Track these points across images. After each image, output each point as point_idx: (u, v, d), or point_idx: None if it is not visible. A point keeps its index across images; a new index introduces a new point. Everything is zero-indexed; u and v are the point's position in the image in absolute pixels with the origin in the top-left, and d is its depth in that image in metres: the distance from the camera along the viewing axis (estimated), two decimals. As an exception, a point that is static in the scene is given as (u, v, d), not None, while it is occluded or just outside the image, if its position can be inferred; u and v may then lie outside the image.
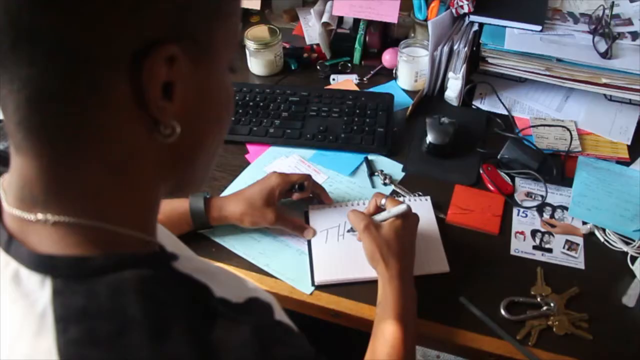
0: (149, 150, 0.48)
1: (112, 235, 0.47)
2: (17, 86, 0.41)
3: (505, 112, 1.28)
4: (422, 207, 1.04)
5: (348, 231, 1.00)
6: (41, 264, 0.45)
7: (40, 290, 0.44)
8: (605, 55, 1.21)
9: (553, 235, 1.01)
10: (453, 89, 1.29)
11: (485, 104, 1.31)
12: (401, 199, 1.06)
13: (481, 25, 1.32)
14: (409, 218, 0.91)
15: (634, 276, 0.94)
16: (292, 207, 1.04)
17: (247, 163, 1.17)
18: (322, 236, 1.00)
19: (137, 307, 0.44)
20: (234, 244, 0.99)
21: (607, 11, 1.30)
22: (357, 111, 1.25)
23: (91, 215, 0.46)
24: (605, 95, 1.29)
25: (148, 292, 0.45)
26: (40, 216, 0.46)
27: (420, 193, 1.08)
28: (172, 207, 0.95)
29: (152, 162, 0.49)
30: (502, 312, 0.89)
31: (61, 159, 0.44)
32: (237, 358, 0.45)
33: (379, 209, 0.95)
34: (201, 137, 0.53)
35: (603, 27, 1.27)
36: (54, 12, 0.38)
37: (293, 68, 1.45)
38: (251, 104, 1.28)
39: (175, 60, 0.43)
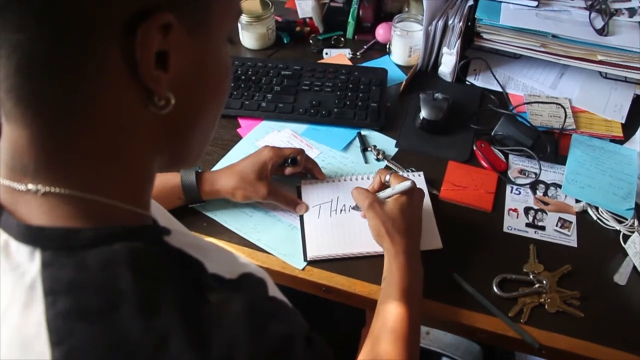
0: (143, 122, 0.46)
1: (103, 208, 0.46)
2: (7, 52, 0.39)
3: (499, 89, 1.27)
4: (415, 183, 1.03)
5: (353, 208, 0.99)
6: (31, 235, 0.44)
7: (29, 262, 0.43)
8: (601, 32, 1.20)
9: (546, 213, 1.01)
10: (447, 65, 1.28)
11: (479, 80, 1.30)
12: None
13: (476, 0, 1.30)
14: (414, 194, 0.91)
15: (626, 254, 0.94)
16: (285, 181, 1.03)
17: (239, 137, 1.15)
18: (315, 211, 0.99)
19: (128, 281, 0.43)
20: (225, 218, 0.98)
21: (604, -13, 1.28)
22: (350, 86, 1.23)
23: (82, 187, 0.45)
24: (600, 72, 1.28)
25: (139, 265, 0.44)
26: (30, 186, 0.44)
27: (413, 169, 1.07)
28: (163, 181, 0.94)
29: (145, 134, 0.47)
30: (495, 289, 0.89)
31: (51, 128, 0.43)
32: (229, 334, 0.44)
33: (384, 186, 0.94)
34: (197, 110, 0.51)
35: (600, 3, 1.25)
36: None
37: (285, 42, 1.43)
38: (243, 77, 1.25)
39: (170, 29, 0.42)
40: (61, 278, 0.42)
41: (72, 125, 0.43)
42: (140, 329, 0.41)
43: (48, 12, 0.38)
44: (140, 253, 0.45)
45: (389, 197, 0.90)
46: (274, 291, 0.55)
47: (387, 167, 1.08)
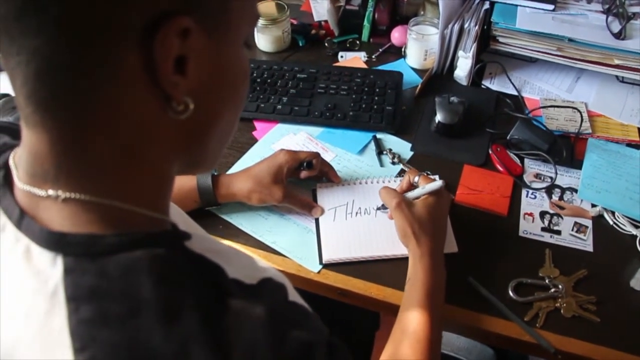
0: (162, 126, 0.46)
1: (123, 213, 0.46)
2: (25, 58, 0.39)
3: (515, 93, 1.27)
4: (432, 187, 1.03)
5: (378, 208, 0.99)
6: (52, 241, 0.44)
7: (51, 268, 0.44)
8: (618, 35, 1.19)
9: (562, 217, 1.01)
10: (463, 68, 1.28)
11: (495, 84, 1.29)
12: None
13: (492, 3, 1.30)
14: (442, 196, 0.91)
15: (642, 259, 0.94)
16: (300, 185, 1.04)
17: (255, 140, 1.16)
18: (330, 214, 0.99)
19: (149, 288, 0.43)
20: (241, 221, 0.99)
21: (621, -9, 1.27)
22: (366, 89, 1.24)
23: (102, 193, 0.45)
24: (617, 76, 1.27)
25: (160, 272, 0.44)
26: (51, 192, 0.45)
27: (429, 172, 1.07)
28: (179, 184, 0.94)
29: (164, 139, 0.47)
30: (510, 293, 0.89)
31: (71, 134, 0.43)
32: (251, 342, 0.44)
33: (412, 187, 0.94)
34: (215, 114, 0.51)
35: (617, 7, 1.25)
36: None
37: (301, 45, 1.44)
38: (258, 80, 1.26)
39: (189, 34, 0.42)
40: (83, 285, 0.43)
41: (91, 130, 0.43)
42: (162, 336, 0.41)
43: (65, 17, 0.38)
44: (161, 260, 0.45)
45: (417, 197, 0.90)
46: (294, 296, 0.55)
47: (402, 171, 1.09)
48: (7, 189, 0.48)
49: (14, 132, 0.55)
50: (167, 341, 0.41)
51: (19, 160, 0.47)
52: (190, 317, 0.43)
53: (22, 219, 0.46)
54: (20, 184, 0.46)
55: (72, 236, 0.44)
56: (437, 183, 0.89)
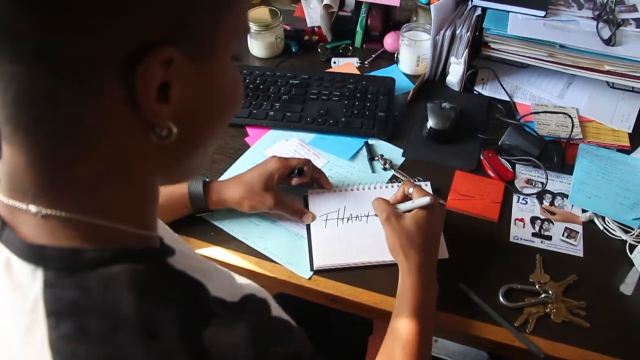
0: (145, 149, 0.46)
1: (105, 230, 0.46)
2: (3, 83, 0.39)
3: (506, 98, 1.27)
4: (436, 198, 1.04)
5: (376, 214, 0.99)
6: (32, 254, 0.44)
7: (31, 281, 0.43)
8: (608, 42, 1.20)
9: (552, 223, 1.01)
10: (455, 74, 1.28)
11: (486, 90, 1.30)
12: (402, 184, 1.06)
13: (484, 9, 1.31)
14: (433, 210, 0.90)
15: (632, 264, 0.94)
16: (292, 191, 1.04)
17: (247, 146, 1.16)
18: (322, 221, 0.99)
19: (129, 303, 0.43)
20: (232, 227, 0.99)
21: (611, -3, 1.28)
22: (358, 95, 1.24)
23: (84, 211, 0.45)
24: (607, 82, 1.28)
25: (141, 287, 0.44)
26: (31, 207, 0.44)
27: (420, 178, 1.08)
28: (170, 190, 0.95)
29: (148, 160, 0.47)
30: (501, 299, 0.89)
31: (51, 155, 0.43)
32: (232, 358, 0.45)
33: (407, 197, 0.94)
34: (203, 133, 0.51)
35: (607, 14, 1.26)
36: (36, 12, 0.36)
37: (294, 50, 1.44)
38: (251, 86, 1.27)
39: (172, 62, 0.41)
40: (63, 299, 0.42)
41: (72, 153, 0.43)
42: (142, 351, 0.41)
43: (43, 47, 0.37)
44: (142, 276, 0.45)
45: (408, 210, 0.90)
46: (277, 311, 0.55)
47: (393, 177, 1.09)
48: None
49: None
50: (147, 357, 0.41)
51: (1, 173, 0.47)
52: (170, 332, 0.43)
53: (3, 230, 0.46)
54: (1, 196, 0.46)
55: (52, 249, 0.44)
56: (426, 199, 0.88)
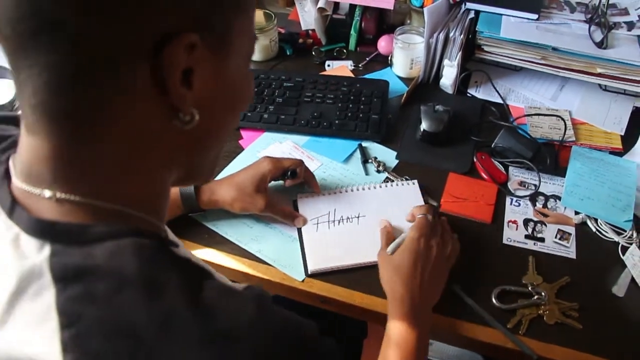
0: (166, 136, 0.49)
1: (116, 213, 0.48)
2: (37, 71, 0.41)
3: (500, 101, 1.28)
4: (410, 191, 1.05)
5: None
6: (41, 229, 0.46)
7: (38, 253, 0.45)
8: (600, 44, 1.21)
9: (545, 225, 1.02)
10: (448, 77, 1.29)
11: (480, 92, 1.31)
12: (390, 184, 1.07)
13: (477, 12, 1.31)
14: (420, 242, 0.87)
15: (624, 266, 0.94)
16: (283, 191, 1.04)
17: (241, 149, 1.17)
18: (313, 225, 0.99)
19: (133, 267, 0.44)
20: (226, 230, 0.99)
21: (603, 0, 1.29)
22: (352, 98, 1.24)
23: (98, 196, 0.47)
24: (600, 85, 1.29)
25: (144, 256, 0.46)
26: (46, 192, 0.46)
27: (407, 177, 1.08)
28: None
29: (168, 147, 0.50)
30: (494, 300, 0.89)
31: (74, 142, 0.45)
32: (235, 310, 0.45)
33: (393, 238, 0.94)
34: (217, 124, 0.54)
35: (599, 17, 1.27)
36: (74, 3, 0.39)
37: (288, 53, 1.44)
38: (245, 89, 1.27)
39: (194, 48, 0.44)
40: (69, 266, 0.44)
41: (95, 139, 0.45)
42: (145, 311, 0.43)
43: (80, 35, 0.40)
44: (146, 248, 0.47)
45: (397, 246, 0.89)
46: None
47: (387, 179, 1.09)
48: (5, 182, 0.49)
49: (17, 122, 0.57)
50: (150, 315, 0.42)
51: (17, 159, 0.49)
52: (174, 294, 0.44)
53: (14, 209, 0.47)
54: (17, 181, 0.48)
55: (61, 224, 0.46)
56: (402, 235, 0.90)
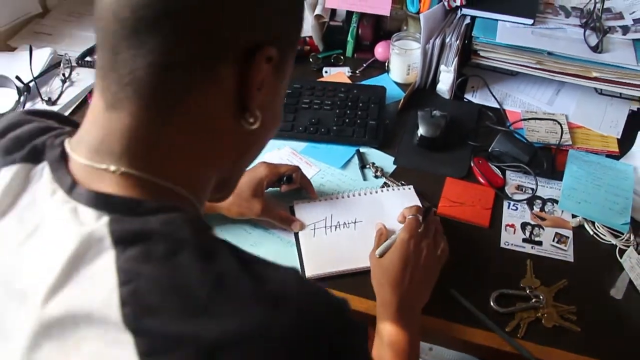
0: (227, 134, 0.55)
1: (170, 193, 0.52)
2: (143, 52, 0.47)
3: (496, 106, 1.29)
4: (406, 196, 1.05)
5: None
6: (98, 201, 0.49)
7: (96, 221, 0.48)
8: (596, 49, 1.22)
9: (543, 228, 1.02)
10: (445, 82, 1.29)
11: (477, 97, 1.31)
12: (386, 189, 1.07)
13: (473, 18, 1.32)
14: (409, 244, 0.87)
15: (622, 269, 0.94)
16: (280, 197, 1.04)
17: (239, 155, 1.17)
18: (310, 230, 1.00)
19: (186, 233, 0.47)
20: (225, 235, 0.96)
21: (598, 5, 1.30)
22: (349, 104, 1.25)
23: (159, 175, 0.51)
24: (596, 89, 1.29)
25: (195, 226, 0.49)
26: (111, 167, 0.50)
27: (403, 182, 1.09)
28: None
29: (224, 147, 0.56)
30: (492, 304, 0.89)
31: (152, 122, 0.50)
32: (283, 276, 0.48)
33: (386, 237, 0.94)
34: (262, 134, 0.60)
35: (594, 21, 1.27)
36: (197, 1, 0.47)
37: (285, 60, 1.45)
38: (243, 96, 1.27)
39: (270, 61, 0.52)
40: (127, 230, 0.47)
41: (169, 123, 0.50)
42: (200, 271, 0.45)
43: (193, 30, 0.47)
44: (196, 221, 0.50)
45: (387, 248, 0.89)
46: None
47: (384, 184, 1.10)
48: (62, 164, 0.52)
49: (59, 118, 0.63)
50: (204, 276, 0.45)
51: (79, 139, 0.53)
52: (226, 259, 0.47)
53: (74, 188, 0.50)
54: (78, 159, 0.52)
55: (117, 197, 0.49)
56: (392, 237, 0.89)
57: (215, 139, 0.54)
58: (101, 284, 0.45)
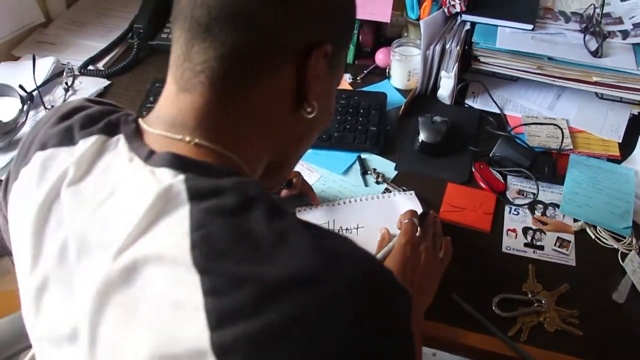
0: (283, 121, 0.61)
1: (236, 164, 0.58)
2: (216, 45, 0.54)
3: (497, 111, 1.29)
4: (407, 201, 1.05)
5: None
6: (176, 162, 0.53)
7: (173, 178, 0.52)
8: (595, 53, 1.22)
9: (544, 233, 1.02)
10: (445, 88, 1.30)
11: (477, 103, 1.31)
12: (388, 195, 1.08)
13: (473, 24, 1.33)
14: (406, 249, 0.87)
15: (624, 273, 0.94)
16: (282, 203, 1.04)
17: (241, 162, 1.17)
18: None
19: (256, 192, 0.52)
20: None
21: (597, 10, 1.30)
22: (351, 110, 1.25)
23: (227, 147, 0.57)
24: (596, 93, 1.29)
25: (263, 189, 0.54)
26: (187, 138, 0.56)
27: (404, 188, 1.09)
28: None
29: (281, 131, 0.62)
30: (494, 308, 0.90)
31: (221, 103, 0.56)
32: (339, 242, 0.52)
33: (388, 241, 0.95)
34: (318, 121, 0.65)
35: (594, 26, 1.28)
36: (270, 3, 0.55)
37: (287, 67, 1.45)
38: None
39: (326, 57, 0.59)
40: (202, 186, 0.51)
41: (235, 105, 0.57)
42: (267, 224, 0.49)
43: (262, 27, 0.54)
44: (261, 187, 0.55)
45: (386, 252, 0.90)
46: None
47: (386, 190, 1.10)
48: (138, 137, 0.58)
49: (116, 106, 0.68)
50: (270, 229, 0.49)
51: (155, 116, 0.59)
52: (291, 219, 0.51)
53: (151, 155, 0.55)
54: (155, 131, 0.58)
55: (193, 159, 0.54)
56: (390, 244, 0.90)
57: (273, 126, 0.61)
58: (174, 231, 0.49)
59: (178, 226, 0.49)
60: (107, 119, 0.61)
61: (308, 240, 0.49)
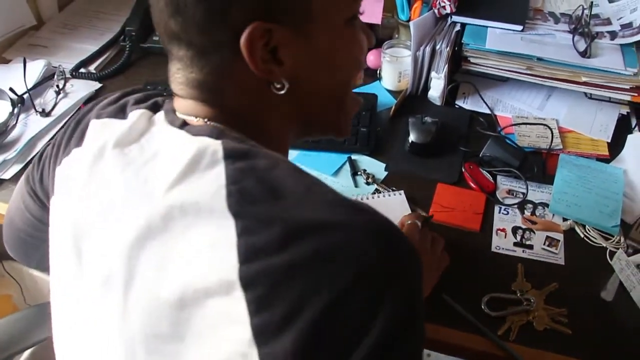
0: (269, 98, 0.62)
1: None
2: (183, 46, 0.59)
3: (487, 111, 1.29)
4: (396, 202, 1.06)
5: None
6: (213, 131, 0.59)
7: (211, 140, 0.57)
8: (584, 54, 1.23)
9: (534, 232, 1.03)
10: (436, 89, 1.30)
11: (468, 103, 1.32)
12: (377, 195, 1.08)
13: (463, 25, 1.34)
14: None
15: (612, 271, 0.95)
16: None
17: (232, 164, 1.17)
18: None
19: (283, 158, 0.58)
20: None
21: (586, 11, 1.31)
22: (341, 111, 1.25)
23: (235, 127, 0.62)
24: (585, 93, 1.30)
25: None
26: (201, 121, 0.62)
27: (394, 188, 1.09)
28: None
29: (274, 106, 0.64)
30: (484, 308, 0.90)
31: (211, 94, 0.62)
32: (358, 202, 0.54)
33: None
34: (318, 87, 0.66)
35: (583, 27, 1.29)
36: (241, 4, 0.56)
37: (278, 69, 1.46)
38: (236, 105, 1.28)
39: (272, 32, 0.56)
40: (237, 149, 0.56)
41: (221, 93, 0.62)
42: (293, 179, 0.54)
43: (199, 27, 0.57)
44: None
45: None
46: None
47: (376, 191, 1.10)
48: (174, 113, 0.64)
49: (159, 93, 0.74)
50: (296, 183, 0.54)
51: (181, 100, 0.65)
52: (315, 178, 0.56)
53: (184, 125, 0.62)
54: (181, 115, 0.64)
55: (227, 130, 0.60)
56: None
57: (265, 104, 0.63)
58: (211, 183, 0.54)
59: (215, 180, 0.53)
60: (154, 99, 0.69)
61: (331, 194, 0.54)
